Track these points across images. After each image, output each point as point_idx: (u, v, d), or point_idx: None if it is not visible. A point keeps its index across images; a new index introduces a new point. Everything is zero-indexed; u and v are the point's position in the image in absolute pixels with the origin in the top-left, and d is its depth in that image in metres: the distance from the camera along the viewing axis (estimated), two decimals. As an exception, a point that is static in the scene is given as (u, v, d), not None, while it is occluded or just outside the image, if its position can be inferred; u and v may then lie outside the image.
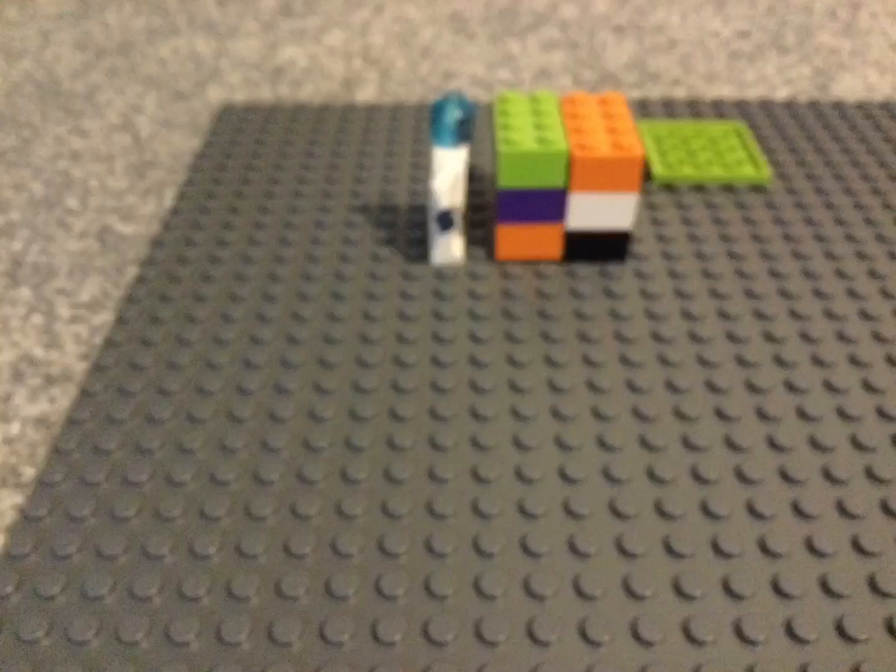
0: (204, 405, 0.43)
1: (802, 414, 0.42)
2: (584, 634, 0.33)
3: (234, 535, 0.37)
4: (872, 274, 0.51)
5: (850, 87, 0.71)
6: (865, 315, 0.48)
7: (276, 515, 0.38)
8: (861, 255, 0.52)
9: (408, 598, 0.34)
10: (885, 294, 0.49)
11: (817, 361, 0.45)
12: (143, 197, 0.57)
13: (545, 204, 0.50)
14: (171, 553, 0.36)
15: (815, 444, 0.40)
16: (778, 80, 0.73)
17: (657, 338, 0.46)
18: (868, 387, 0.43)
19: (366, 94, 0.71)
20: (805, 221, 0.55)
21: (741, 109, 0.68)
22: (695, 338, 0.46)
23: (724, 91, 0.71)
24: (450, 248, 0.50)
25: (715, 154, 0.61)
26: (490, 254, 0.53)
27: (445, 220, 0.46)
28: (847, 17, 0.83)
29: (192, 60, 0.76)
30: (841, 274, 0.51)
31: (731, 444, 0.40)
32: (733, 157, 0.61)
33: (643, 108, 0.68)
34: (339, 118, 0.67)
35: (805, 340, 0.46)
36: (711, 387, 0.43)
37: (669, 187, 0.59)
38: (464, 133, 0.47)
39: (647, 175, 0.60)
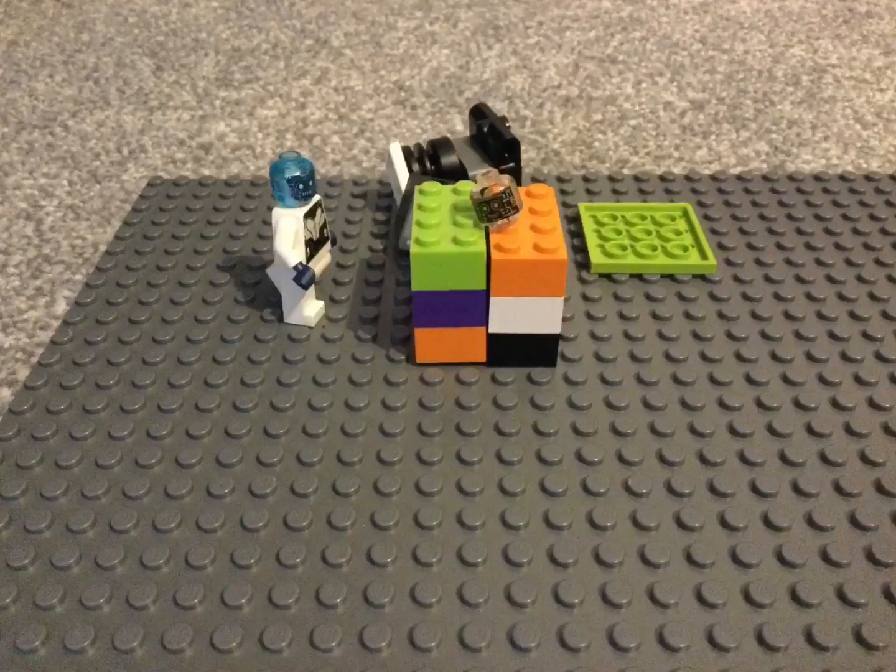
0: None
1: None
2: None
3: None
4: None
5: (810, 165, 0.67)
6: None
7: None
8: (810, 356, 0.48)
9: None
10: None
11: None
12: (33, 300, 0.52)
13: (464, 307, 0.45)
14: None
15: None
16: (733, 158, 0.68)
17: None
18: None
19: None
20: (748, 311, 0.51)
21: (690, 184, 0.63)
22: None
23: (675, 171, 0.66)
24: (303, 309, 0.48)
25: (659, 240, 0.55)
26: (410, 355, 0.47)
27: (300, 276, 0.45)
28: (809, 85, 0.80)
29: (116, 134, 0.72)
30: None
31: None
32: (678, 243, 0.54)
33: (587, 182, 0.63)
34: (267, 193, 0.63)
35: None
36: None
37: (608, 277, 0.53)
38: (304, 191, 0.46)
39: (586, 263, 0.55)
